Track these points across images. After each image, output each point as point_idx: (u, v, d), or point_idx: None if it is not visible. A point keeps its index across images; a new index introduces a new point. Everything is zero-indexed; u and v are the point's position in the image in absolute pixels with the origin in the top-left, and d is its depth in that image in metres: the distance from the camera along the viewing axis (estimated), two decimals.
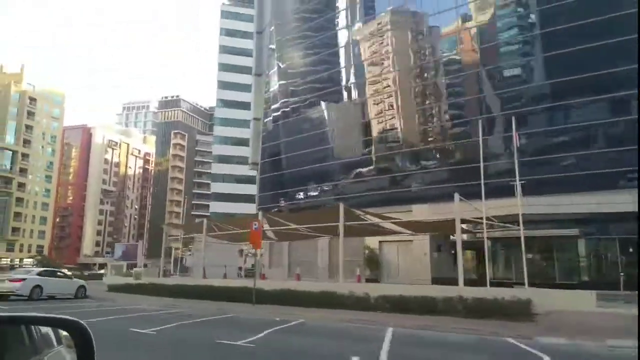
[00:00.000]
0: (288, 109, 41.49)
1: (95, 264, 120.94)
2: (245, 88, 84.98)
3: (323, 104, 40.26)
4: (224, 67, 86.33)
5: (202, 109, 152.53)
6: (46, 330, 2.00)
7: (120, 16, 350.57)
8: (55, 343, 1.98)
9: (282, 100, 41.82)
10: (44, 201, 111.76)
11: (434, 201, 26.50)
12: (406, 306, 15.50)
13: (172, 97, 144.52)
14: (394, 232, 23.66)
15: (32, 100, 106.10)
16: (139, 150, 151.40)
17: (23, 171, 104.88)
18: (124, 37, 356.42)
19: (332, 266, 31.19)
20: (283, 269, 34.51)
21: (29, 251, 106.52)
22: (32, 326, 1.94)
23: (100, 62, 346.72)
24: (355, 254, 30.12)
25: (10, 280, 20.20)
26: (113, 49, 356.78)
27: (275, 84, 43.34)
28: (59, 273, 23.77)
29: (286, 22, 42.83)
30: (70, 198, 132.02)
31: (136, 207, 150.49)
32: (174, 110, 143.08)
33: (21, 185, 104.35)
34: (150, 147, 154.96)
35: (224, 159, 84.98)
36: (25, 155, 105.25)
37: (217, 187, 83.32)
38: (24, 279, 20.32)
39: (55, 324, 1.91)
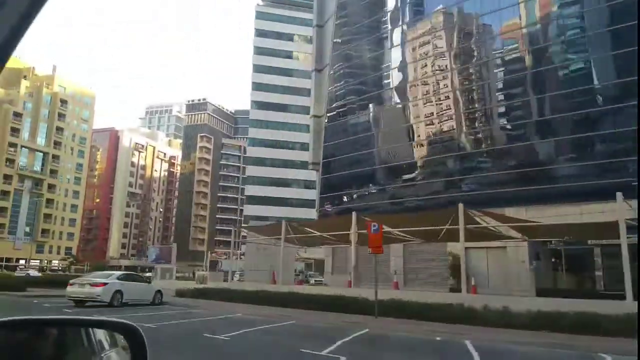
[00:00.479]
0: (354, 105, 39.69)
1: (121, 266, 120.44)
2: (280, 90, 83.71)
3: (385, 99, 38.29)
4: (258, 69, 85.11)
5: (228, 112, 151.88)
6: (102, 333, 2.06)
7: (119, 16, 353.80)
8: (110, 346, 2.02)
9: (347, 97, 39.95)
10: (73, 203, 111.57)
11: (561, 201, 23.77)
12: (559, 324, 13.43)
13: (199, 100, 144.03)
14: (509, 237, 21.59)
15: (63, 102, 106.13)
16: (164, 154, 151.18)
17: (53, 173, 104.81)
18: (123, 37, 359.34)
19: (406, 272, 29.25)
20: (347, 276, 32.60)
21: (58, 253, 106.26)
22: (90, 329, 2.02)
23: (100, 62, 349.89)
24: (433, 260, 28.18)
25: (92, 285, 18.56)
26: (112, 48, 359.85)
27: (339, 80, 41.51)
28: (136, 277, 22.16)
29: (351, 14, 41.14)
30: (97, 200, 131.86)
31: (161, 209, 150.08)
32: (201, 113, 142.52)
33: (51, 187, 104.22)
34: (175, 151, 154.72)
35: (258, 162, 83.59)
36: (55, 157, 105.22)
37: (252, 190, 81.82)
38: (105, 284, 18.67)
39: (111, 327, 1.98)
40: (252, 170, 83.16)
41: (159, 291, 21.72)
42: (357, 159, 38.82)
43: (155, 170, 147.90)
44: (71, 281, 19.41)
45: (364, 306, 17.42)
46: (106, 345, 2.07)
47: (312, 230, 25.79)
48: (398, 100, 38.09)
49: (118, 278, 19.78)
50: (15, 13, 0.89)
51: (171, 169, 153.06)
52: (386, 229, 20.87)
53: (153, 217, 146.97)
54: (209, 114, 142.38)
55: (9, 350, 1.57)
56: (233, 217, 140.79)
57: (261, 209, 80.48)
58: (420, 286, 26.68)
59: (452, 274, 25.53)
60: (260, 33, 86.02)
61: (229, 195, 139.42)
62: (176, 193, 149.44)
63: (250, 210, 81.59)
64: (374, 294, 16.97)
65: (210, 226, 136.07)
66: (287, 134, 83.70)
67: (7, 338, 1.55)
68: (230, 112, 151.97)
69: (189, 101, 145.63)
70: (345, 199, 39.51)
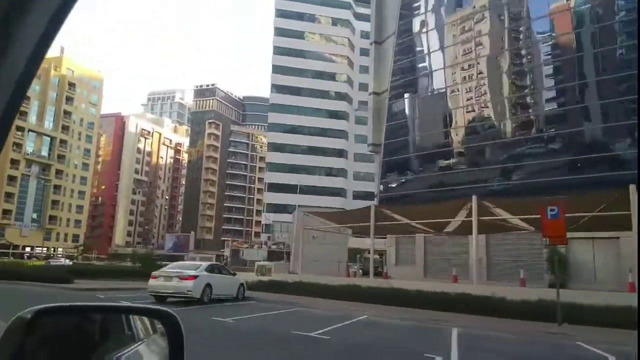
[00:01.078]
0: (426, 79, 36.63)
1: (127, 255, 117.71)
2: (300, 73, 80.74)
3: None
4: (278, 51, 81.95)
5: (237, 98, 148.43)
6: (142, 320, 2.12)
7: (123, 2, 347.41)
8: (150, 332, 2.08)
9: (412, 72, 36.79)
10: (80, 189, 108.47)
11: None
12: None
13: (208, 85, 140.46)
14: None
15: (71, 85, 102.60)
16: (170, 140, 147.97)
17: (61, 158, 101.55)
18: (128, 24, 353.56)
19: (490, 266, 26.73)
20: (415, 268, 30.13)
21: (65, 240, 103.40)
22: (131, 316, 2.10)
23: (103, 50, 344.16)
24: (524, 252, 25.68)
25: (181, 278, 15.84)
26: (116, 35, 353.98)
27: (406, 52, 38.31)
28: (222, 268, 19.44)
29: None
30: (103, 187, 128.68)
31: (166, 197, 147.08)
32: (209, 99, 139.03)
33: (59, 173, 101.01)
34: (181, 137, 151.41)
35: (277, 147, 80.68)
36: (63, 142, 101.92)
37: (273, 178, 78.99)
38: (195, 276, 15.97)
39: (149, 313, 2.04)
40: (272, 157, 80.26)
41: (242, 284, 19.09)
42: (426, 140, 35.94)
43: (161, 157, 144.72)
44: (154, 273, 16.67)
45: (505, 307, 14.78)
46: (146, 332, 2.08)
47: (401, 217, 23.09)
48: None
49: (206, 270, 17.08)
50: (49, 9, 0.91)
51: (177, 156, 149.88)
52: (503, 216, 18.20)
53: (159, 205, 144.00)
54: (217, 100, 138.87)
55: (54, 336, 1.61)
56: (240, 206, 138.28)
57: (282, 197, 77.81)
58: (508, 281, 24.11)
59: (550, 268, 22.98)
60: (281, 14, 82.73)
61: (236, 183, 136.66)
62: (182, 181, 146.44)
63: (270, 197, 78.83)
64: (493, 291, 14.38)
65: (218, 215, 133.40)
66: (307, 119, 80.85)
67: (53, 324, 1.58)
68: (239, 98, 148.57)
69: (197, 87, 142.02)
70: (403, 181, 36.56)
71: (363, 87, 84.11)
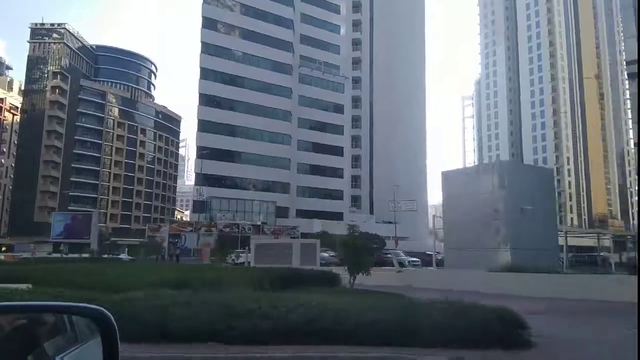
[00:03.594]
0: None
1: None
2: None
3: None
4: None
5: (89, 47, 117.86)
6: (85, 320, 2.00)
7: None
8: (91, 333, 1.95)
9: None
10: None
11: None
12: None
13: (52, 25, 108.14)
14: None
15: None
16: None
17: None
18: None
19: None
20: None
21: None
22: (74, 316, 2.00)
23: None
24: None
25: None
26: None
27: None
28: None
29: None
30: None
31: None
32: (53, 42, 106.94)
33: None
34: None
35: (212, 101, 62.34)
36: None
37: (207, 140, 60.48)
38: None
39: (80, 312, 1.95)
40: (206, 114, 61.63)
41: None
42: None
43: None
44: None
45: None
46: (87, 332, 1.95)
47: None
48: None
49: None
50: None
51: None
52: None
53: None
54: (65, 44, 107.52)
55: None
56: (93, 182, 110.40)
57: (217, 166, 60.44)
58: None
59: None
60: None
61: (87, 152, 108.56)
62: (3, 148, 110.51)
63: (204, 166, 60.58)
64: None
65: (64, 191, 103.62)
66: (252, 70, 64.61)
67: None
68: (92, 47, 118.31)
69: (34, 25, 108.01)
70: None
71: (305, 39, 71.17)
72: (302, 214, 65.67)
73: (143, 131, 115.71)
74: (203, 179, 60.44)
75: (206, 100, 62.18)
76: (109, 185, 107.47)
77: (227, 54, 63.75)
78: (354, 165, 76.13)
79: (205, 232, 51.79)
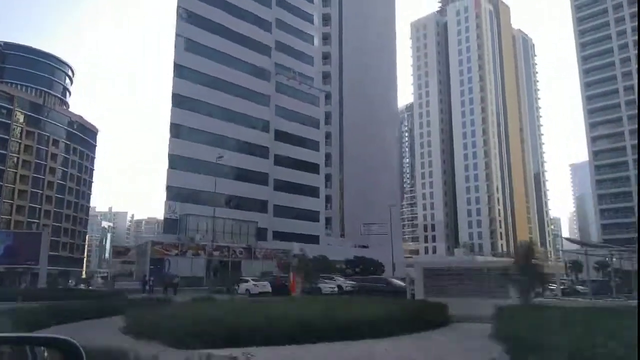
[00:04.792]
0: None
1: None
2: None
3: None
4: None
5: None
6: (52, 351, 1.93)
7: None
8: None
9: None
10: None
11: None
12: None
13: None
14: None
15: None
16: None
17: None
18: None
19: None
20: None
21: None
22: (38, 347, 1.95)
23: None
24: None
25: None
26: None
27: None
28: None
29: None
30: None
31: None
32: None
33: None
34: None
35: (185, 104, 53.38)
36: None
37: (179, 149, 51.11)
38: None
39: (46, 343, 1.91)
40: (178, 117, 52.38)
41: None
42: None
43: None
44: None
45: None
46: None
47: None
48: None
49: None
50: None
51: None
52: None
53: None
54: None
55: None
56: None
57: (190, 178, 51.53)
58: None
59: None
60: None
61: None
62: None
63: (174, 179, 51.11)
64: None
65: None
66: (226, 71, 57.17)
67: None
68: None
69: None
70: None
71: (280, 46, 65.75)
72: (280, 236, 58.63)
73: (55, 142, 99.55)
74: (175, 194, 51.14)
75: (178, 101, 53.35)
76: (12, 203, 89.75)
77: (204, 52, 55.86)
78: (325, 185, 70.82)
79: (193, 256, 42.74)
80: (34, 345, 1.93)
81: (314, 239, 61.74)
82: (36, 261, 40.59)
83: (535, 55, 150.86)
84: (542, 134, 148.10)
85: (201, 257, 43.18)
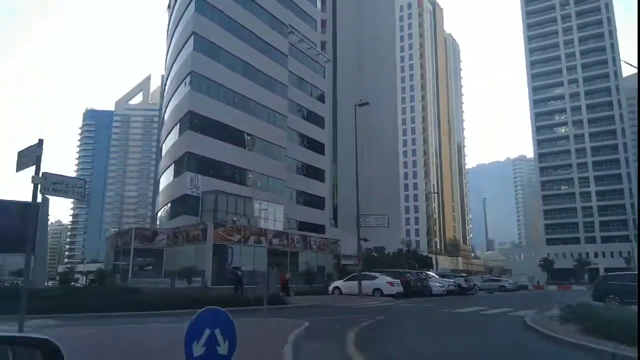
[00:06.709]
0: None
1: None
2: None
3: None
4: None
5: None
6: (32, 351, 1.88)
7: None
8: None
9: None
10: None
11: None
12: None
13: None
14: None
15: None
16: None
17: None
18: None
19: None
20: None
21: None
22: (18, 347, 1.89)
23: None
24: None
25: None
26: None
27: None
28: None
29: None
30: None
31: None
32: None
33: None
34: None
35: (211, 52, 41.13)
36: None
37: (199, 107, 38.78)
38: None
39: (26, 343, 1.88)
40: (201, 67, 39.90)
41: None
42: None
43: None
44: None
45: None
46: None
47: None
48: None
49: None
50: None
51: None
52: None
53: None
54: None
55: None
56: None
57: (211, 146, 40.02)
58: None
59: None
60: None
61: None
62: None
63: (195, 144, 38.93)
64: None
65: None
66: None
67: None
68: None
69: None
70: None
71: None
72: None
73: None
74: (196, 163, 39.11)
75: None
76: None
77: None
78: None
79: (255, 243, 31.80)
80: (13, 345, 1.83)
81: (319, 229, 53.09)
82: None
83: (461, 61, 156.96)
84: (465, 138, 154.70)
85: (262, 246, 32.54)
